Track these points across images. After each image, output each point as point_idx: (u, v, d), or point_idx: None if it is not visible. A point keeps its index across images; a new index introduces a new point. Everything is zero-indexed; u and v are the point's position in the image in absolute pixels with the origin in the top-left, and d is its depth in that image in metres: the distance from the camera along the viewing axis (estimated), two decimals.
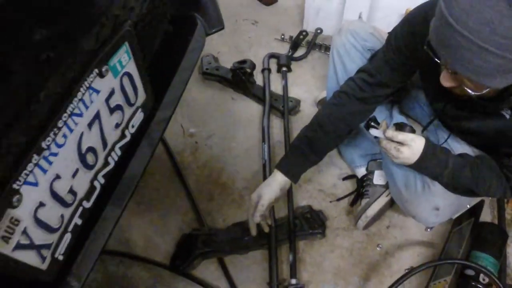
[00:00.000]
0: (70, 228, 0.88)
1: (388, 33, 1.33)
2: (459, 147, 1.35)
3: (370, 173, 1.65)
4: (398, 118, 1.58)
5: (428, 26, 0.97)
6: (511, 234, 1.56)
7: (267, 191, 1.39)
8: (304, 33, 2.24)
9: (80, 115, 0.82)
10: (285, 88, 2.04)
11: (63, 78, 0.76)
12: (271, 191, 1.39)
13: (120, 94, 0.94)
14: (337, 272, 1.55)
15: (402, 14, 1.98)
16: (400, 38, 1.25)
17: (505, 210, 1.63)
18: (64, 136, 0.79)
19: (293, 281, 1.48)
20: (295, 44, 2.24)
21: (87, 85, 0.82)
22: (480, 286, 1.34)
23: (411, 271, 1.31)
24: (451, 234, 1.57)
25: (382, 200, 1.59)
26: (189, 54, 1.26)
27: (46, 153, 0.76)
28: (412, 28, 1.20)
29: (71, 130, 0.81)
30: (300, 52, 2.24)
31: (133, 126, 1.02)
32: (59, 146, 0.79)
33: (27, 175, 0.72)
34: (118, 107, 0.95)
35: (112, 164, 0.97)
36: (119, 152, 0.99)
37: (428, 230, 1.62)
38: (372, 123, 1.30)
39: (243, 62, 1.98)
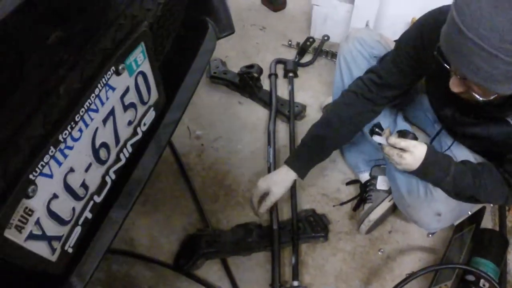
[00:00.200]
0: (81, 221, 0.89)
1: (399, 36, 1.34)
2: (461, 154, 1.36)
3: (373, 178, 1.66)
4: (402, 125, 1.59)
5: (439, 32, 0.98)
6: None
7: (277, 189, 1.41)
8: (311, 39, 2.27)
9: (96, 110, 0.84)
10: (291, 93, 2.06)
11: (82, 74, 0.79)
12: (282, 188, 1.42)
13: (134, 92, 0.96)
14: (339, 276, 1.57)
15: (409, 22, 2.00)
16: (409, 42, 1.27)
17: (507, 217, 1.63)
18: (80, 130, 0.81)
19: (295, 283, 1.49)
20: (302, 50, 2.26)
21: (104, 82, 0.84)
22: None
23: (412, 275, 1.32)
24: (453, 240, 1.57)
25: (385, 205, 1.60)
26: (200, 57, 1.29)
27: (62, 146, 0.77)
28: (422, 33, 1.22)
29: (86, 125, 0.83)
30: (307, 58, 2.26)
31: (144, 124, 1.04)
32: (75, 140, 0.81)
33: (43, 166, 0.74)
34: (132, 105, 0.97)
35: (123, 161, 0.99)
36: (130, 149, 1.01)
37: (430, 235, 1.64)
38: (377, 129, 1.33)
39: (251, 66, 2.01)
